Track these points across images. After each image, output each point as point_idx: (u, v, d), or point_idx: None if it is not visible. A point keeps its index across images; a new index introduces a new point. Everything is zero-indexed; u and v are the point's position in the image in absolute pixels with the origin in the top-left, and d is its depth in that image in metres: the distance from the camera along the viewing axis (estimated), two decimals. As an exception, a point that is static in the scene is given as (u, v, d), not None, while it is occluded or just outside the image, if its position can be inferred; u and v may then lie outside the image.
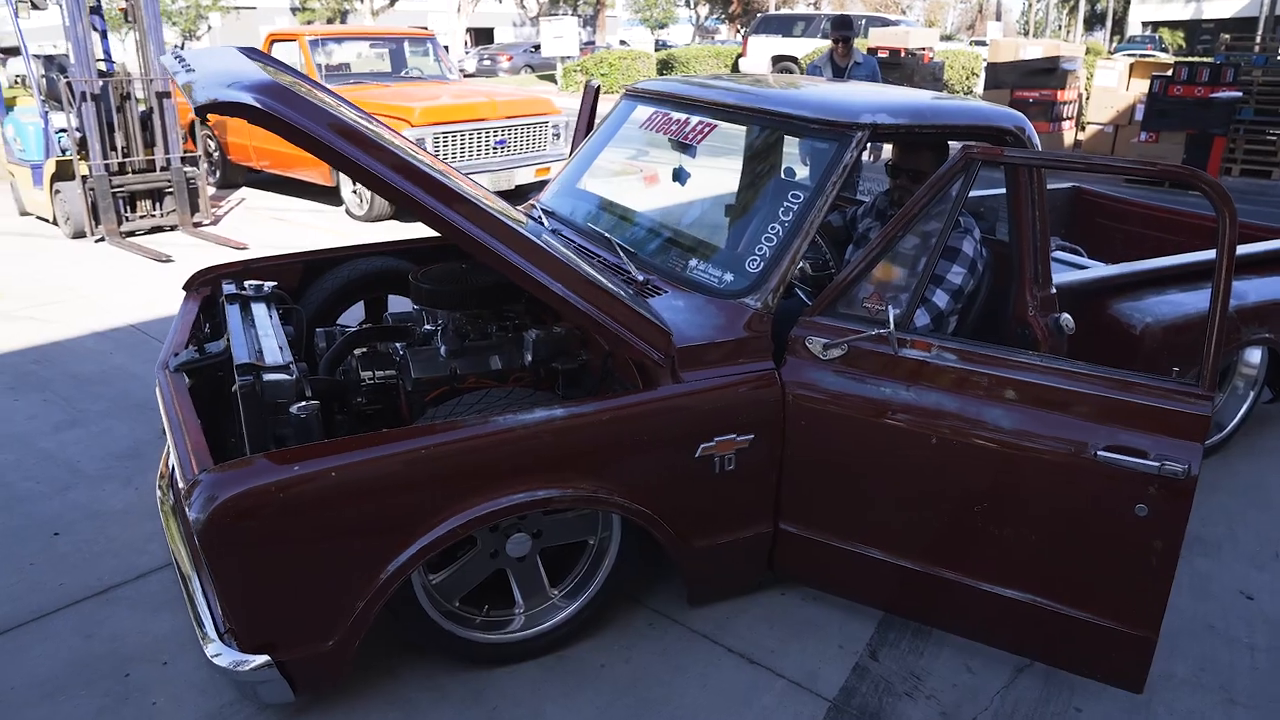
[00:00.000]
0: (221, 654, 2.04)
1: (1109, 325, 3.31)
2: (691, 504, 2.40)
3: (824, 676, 2.43)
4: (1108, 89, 11.09)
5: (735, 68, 18.66)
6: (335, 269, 3.42)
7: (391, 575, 2.08)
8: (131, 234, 6.91)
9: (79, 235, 6.73)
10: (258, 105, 1.85)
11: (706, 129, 2.99)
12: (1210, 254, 3.46)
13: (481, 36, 44.46)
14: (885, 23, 15.85)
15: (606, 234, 2.96)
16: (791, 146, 3.01)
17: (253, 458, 2.00)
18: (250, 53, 2.62)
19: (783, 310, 2.52)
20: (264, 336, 2.61)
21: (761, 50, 17.88)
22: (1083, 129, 11.55)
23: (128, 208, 6.89)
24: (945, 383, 2.29)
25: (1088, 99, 11.48)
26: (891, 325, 2.20)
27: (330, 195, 8.25)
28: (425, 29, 9.66)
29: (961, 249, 2.80)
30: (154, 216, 7.02)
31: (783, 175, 3.08)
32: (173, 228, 7.09)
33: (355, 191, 7.71)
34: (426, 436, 2.08)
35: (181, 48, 27.73)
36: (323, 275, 3.41)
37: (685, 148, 3.10)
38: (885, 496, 2.42)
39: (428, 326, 2.92)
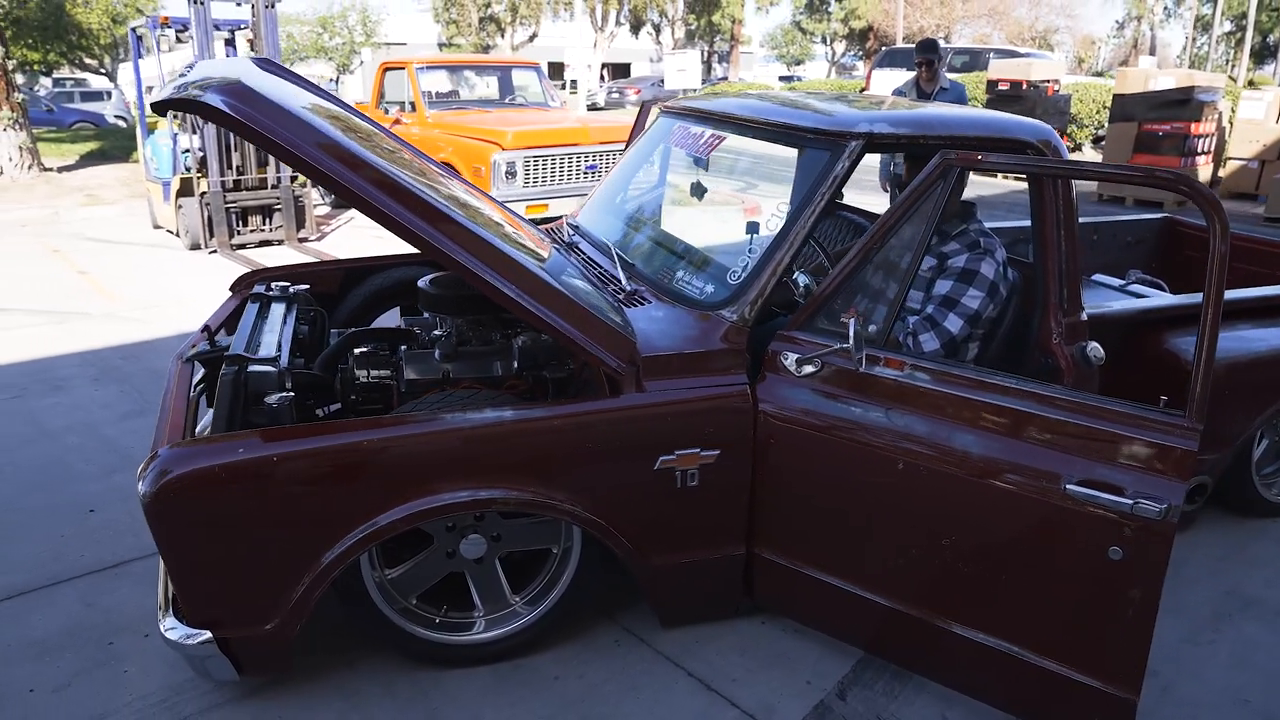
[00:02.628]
0: (174, 628, 2.13)
1: (1163, 360, 3.03)
2: (650, 518, 2.33)
3: (781, 711, 2.29)
4: (1253, 122, 10.25)
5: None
6: (371, 276, 3.55)
7: (331, 563, 2.11)
8: (242, 247, 7.41)
9: (195, 247, 7.28)
10: (225, 109, 1.94)
11: (716, 141, 2.95)
12: (1289, 288, 3.13)
13: (619, 71, 45.67)
14: (1014, 55, 15.24)
15: (610, 245, 2.95)
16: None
17: (205, 438, 2.08)
18: (264, 64, 2.77)
19: (777, 328, 2.44)
20: (268, 332, 2.73)
21: (885, 83, 17.49)
22: (1223, 165, 10.71)
23: (240, 222, 7.41)
24: (916, 404, 2.14)
25: (1230, 132, 10.64)
26: (852, 340, 2.08)
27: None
28: (533, 60, 9.97)
29: (980, 271, 2.63)
30: (263, 231, 7.52)
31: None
32: (280, 242, 7.57)
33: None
34: (370, 430, 2.11)
35: (336, 81, 29.60)
36: (360, 282, 3.55)
37: (699, 161, 3.07)
38: (857, 526, 2.28)
39: (437, 332, 2.98)
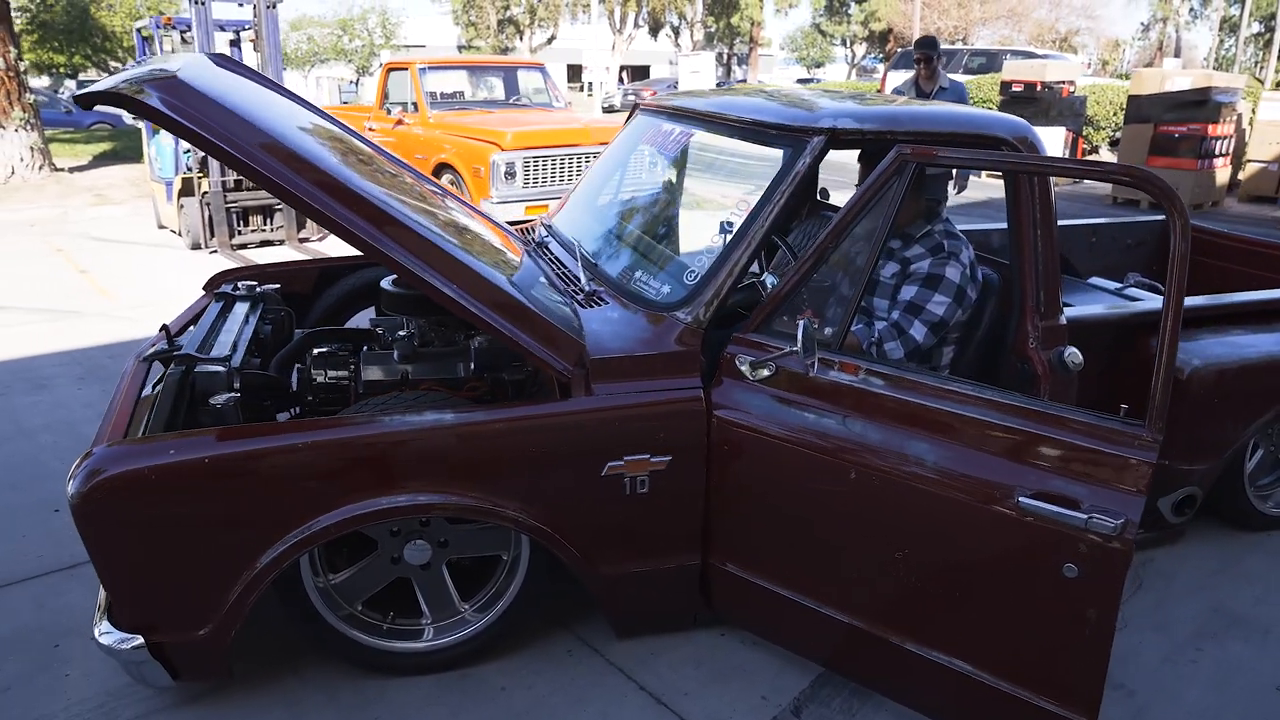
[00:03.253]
0: (109, 633, 2.08)
1: (1152, 366, 2.92)
2: (598, 526, 2.26)
3: (731, 727, 2.21)
4: (1274, 123, 10.02)
5: (872, 103, 18.19)
6: (345, 276, 3.50)
7: (266, 567, 2.05)
8: (243, 247, 7.41)
9: (196, 247, 7.29)
10: (156, 105, 1.89)
11: (684, 138, 2.88)
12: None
13: (638, 73, 45.64)
14: (1031, 56, 15.01)
15: (575, 244, 2.88)
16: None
17: (137, 439, 2.04)
18: (221, 60, 2.73)
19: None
20: (225, 332, 2.69)
21: (899, 84, 17.36)
22: (1242, 167, 10.48)
23: (241, 222, 7.41)
24: (870, 411, 2.06)
25: (1250, 134, 10.41)
26: (800, 342, 1.99)
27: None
28: (538, 61, 9.94)
29: (945, 276, 2.53)
30: (264, 231, 7.52)
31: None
32: (280, 242, 7.56)
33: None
34: (306, 432, 2.06)
35: (356, 83, 29.75)
36: (334, 282, 3.50)
37: (670, 158, 3.00)
38: (812, 538, 2.20)
39: (402, 333, 2.93)
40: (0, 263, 7.00)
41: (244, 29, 7.92)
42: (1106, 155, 13.06)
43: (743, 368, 2.24)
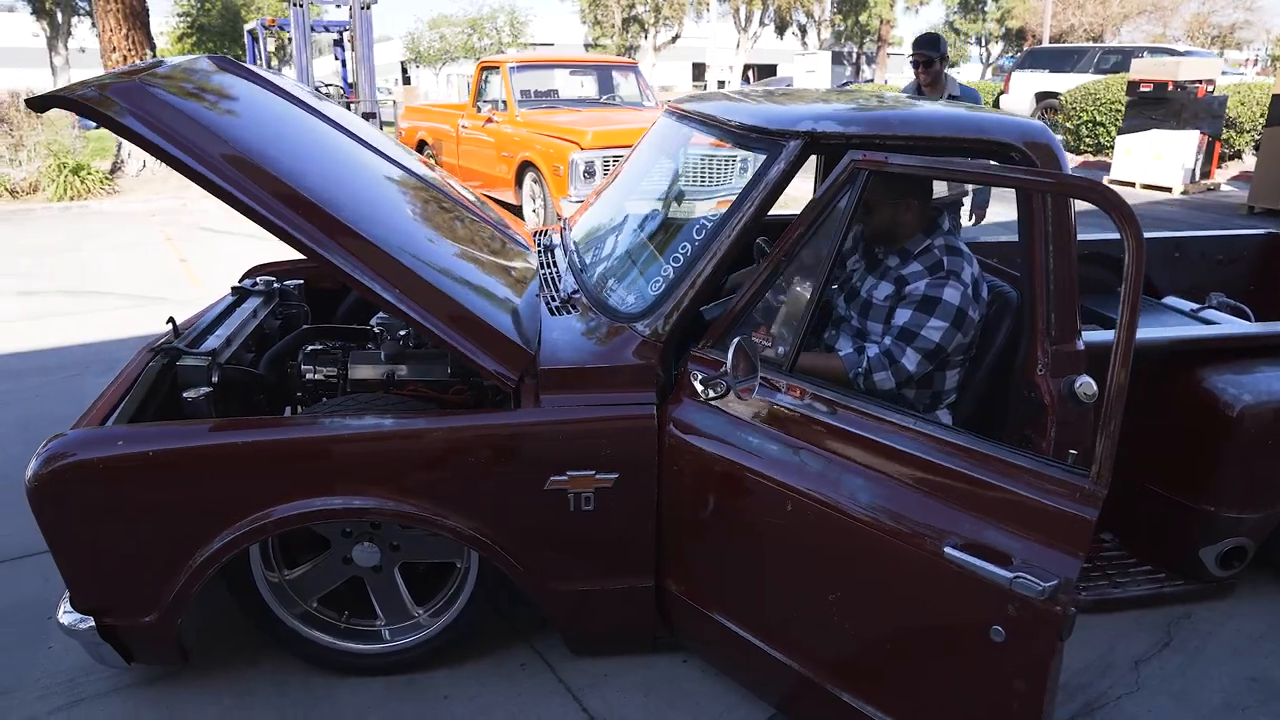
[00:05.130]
0: (68, 614, 2.17)
1: (1201, 401, 2.63)
2: (542, 541, 2.19)
3: (664, 762, 2.11)
4: None
5: (996, 105, 17.32)
6: (371, 273, 3.56)
7: (207, 560, 2.09)
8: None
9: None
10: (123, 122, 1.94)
11: (682, 140, 2.77)
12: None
13: (765, 72, 45.13)
14: (1170, 54, 13.92)
15: (572, 249, 2.83)
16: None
17: (91, 429, 2.11)
18: (223, 62, 2.80)
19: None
20: (225, 326, 2.77)
21: (1025, 86, 16.45)
22: (1407, 176, 9.35)
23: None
24: (810, 438, 1.91)
25: None
26: (729, 362, 1.86)
27: (517, 214, 8.70)
28: (631, 59, 9.92)
29: (943, 299, 2.30)
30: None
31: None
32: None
33: (534, 211, 8.07)
34: (247, 431, 2.08)
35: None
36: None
37: (672, 161, 2.90)
38: (754, 570, 2.07)
39: (402, 332, 2.95)
40: (115, 251, 7.54)
41: (346, 29, 8.26)
42: (1251, 160, 11.96)
43: (696, 385, 2.13)
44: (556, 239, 3.17)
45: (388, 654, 2.39)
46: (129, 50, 10.21)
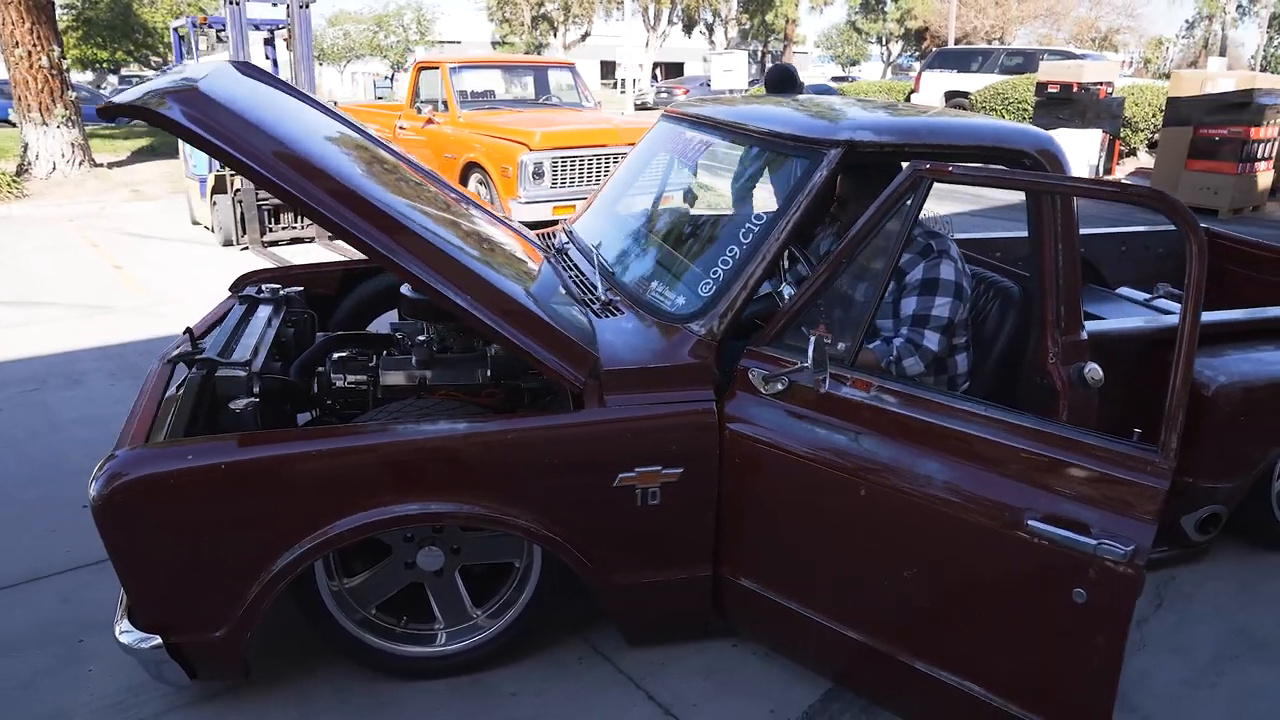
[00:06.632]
0: (128, 632, 2.13)
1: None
2: (609, 537, 2.27)
3: (738, 741, 2.21)
4: (1319, 127, 9.76)
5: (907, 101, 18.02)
6: (368, 279, 3.54)
7: (280, 572, 2.08)
8: (274, 244, 7.52)
9: (228, 244, 7.41)
10: (176, 118, 1.93)
11: (703, 147, 2.87)
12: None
13: (672, 70, 45.56)
14: (1069, 56, 14.78)
15: (594, 252, 2.89)
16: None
17: (156, 444, 2.08)
18: (246, 68, 2.77)
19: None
20: (247, 335, 2.73)
21: (934, 85, 17.17)
22: (1286, 172, 10.23)
23: (272, 219, 7.51)
24: (882, 428, 2.05)
25: (1294, 138, 10.15)
26: (811, 359, 1.98)
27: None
28: (568, 60, 9.96)
29: (941, 277, 2.52)
30: (295, 228, 7.62)
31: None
32: (310, 240, 7.66)
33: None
34: (321, 440, 2.09)
35: (391, 79, 30.01)
36: (357, 285, 3.54)
37: (690, 167, 3.00)
38: (821, 553, 2.19)
39: (421, 338, 2.95)
40: (39, 257, 7.17)
41: (278, 28, 8.03)
42: (1145, 158, 12.82)
43: (756, 381, 2.24)
44: (562, 242, 3.23)
45: (448, 656, 2.41)
46: (34, 45, 9.66)
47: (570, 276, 2.82)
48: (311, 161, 2.13)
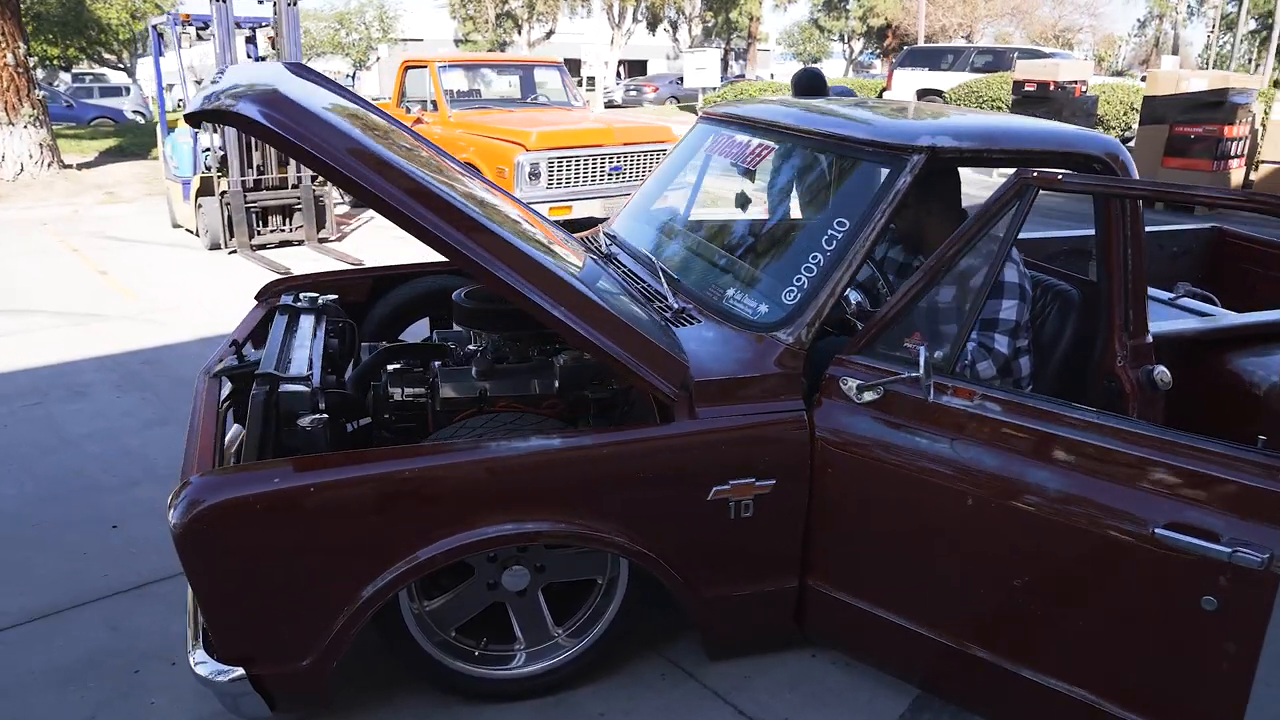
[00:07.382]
0: (204, 663, 2.03)
1: (1228, 384, 2.89)
2: (702, 550, 2.22)
3: (838, 754, 2.18)
4: (1288, 125, 10.04)
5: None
6: (400, 286, 3.45)
7: (370, 598, 2.00)
8: (262, 247, 7.34)
9: (215, 247, 7.21)
10: (260, 120, 1.84)
11: (765, 152, 2.83)
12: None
13: (635, 68, 45.48)
14: (1038, 54, 15.03)
15: (653, 259, 2.84)
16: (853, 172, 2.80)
17: (238, 467, 1.99)
18: (295, 69, 2.67)
19: (829, 348, 2.33)
20: (298, 348, 2.63)
21: (907, 83, 17.35)
22: (1255, 167, 10.50)
23: (260, 222, 7.33)
24: (986, 437, 2.02)
25: (1263, 135, 10.43)
26: (922, 368, 1.96)
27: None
28: (555, 59, 9.86)
29: (1005, 279, 2.50)
30: (283, 231, 7.44)
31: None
32: (300, 242, 7.49)
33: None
34: (412, 459, 2.01)
35: (353, 77, 29.62)
36: (388, 291, 3.45)
37: (745, 171, 2.96)
38: (919, 561, 2.17)
39: (471, 347, 2.88)
40: (17, 262, 6.91)
41: (261, 26, 7.83)
42: (1116, 155, 13.06)
43: (848, 389, 2.21)
44: (608, 247, 3.16)
45: (533, 677, 2.34)
46: (0, 42, 9.33)
47: (630, 284, 2.76)
48: (386, 160, 2.04)
